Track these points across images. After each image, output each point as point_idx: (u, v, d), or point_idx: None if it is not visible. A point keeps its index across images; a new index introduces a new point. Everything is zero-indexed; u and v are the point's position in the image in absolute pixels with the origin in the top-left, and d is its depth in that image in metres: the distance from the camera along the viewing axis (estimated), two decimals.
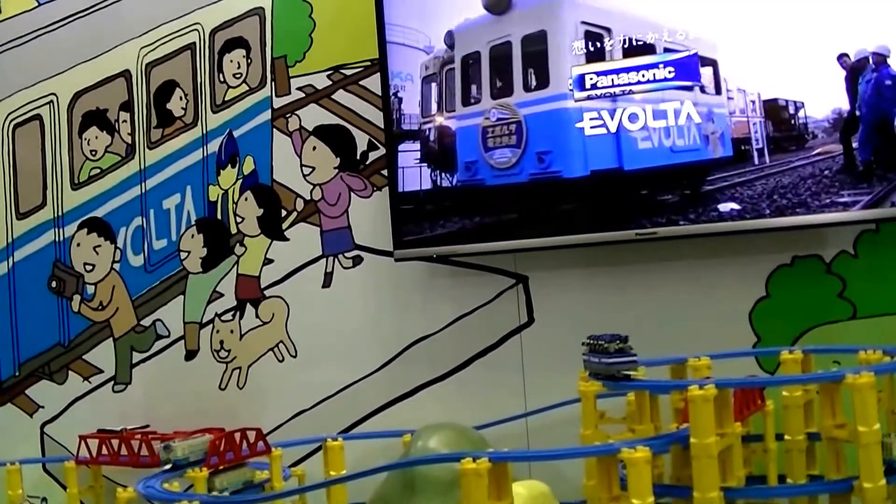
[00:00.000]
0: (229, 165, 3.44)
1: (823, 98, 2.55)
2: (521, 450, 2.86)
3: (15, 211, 3.83)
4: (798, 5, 2.57)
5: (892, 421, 2.23)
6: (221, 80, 3.46)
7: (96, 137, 3.68)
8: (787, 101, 2.61)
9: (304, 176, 3.32)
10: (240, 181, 3.42)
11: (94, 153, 3.68)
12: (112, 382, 3.64)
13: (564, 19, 2.56)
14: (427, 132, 2.98)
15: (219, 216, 3.45)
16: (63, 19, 3.73)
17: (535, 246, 2.86)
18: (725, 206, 2.62)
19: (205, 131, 3.49)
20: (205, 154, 3.48)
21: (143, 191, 3.59)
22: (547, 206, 2.57)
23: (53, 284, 3.74)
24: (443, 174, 2.95)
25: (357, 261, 3.24)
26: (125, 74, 3.62)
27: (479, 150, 2.71)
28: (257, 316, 3.39)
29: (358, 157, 3.24)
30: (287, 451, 2.82)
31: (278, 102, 3.37)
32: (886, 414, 2.23)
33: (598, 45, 2.57)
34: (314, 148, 3.31)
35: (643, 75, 2.65)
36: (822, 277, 2.69)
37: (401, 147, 3.02)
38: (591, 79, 2.69)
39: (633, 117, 2.65)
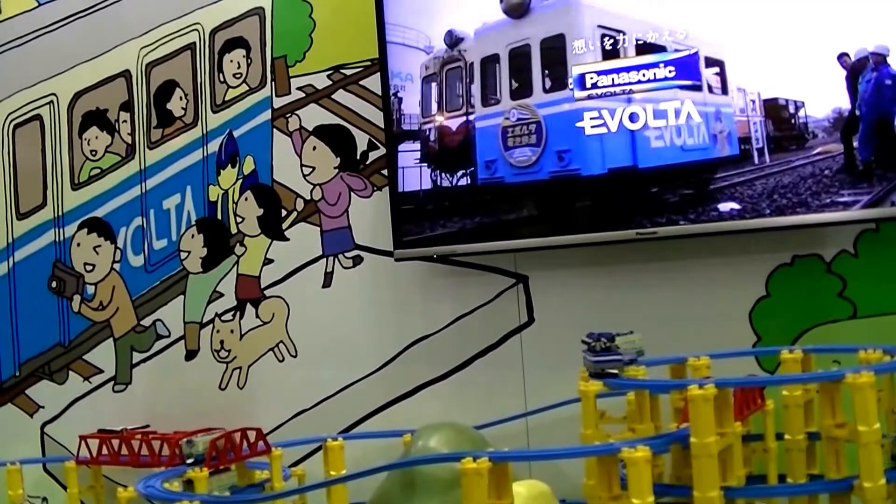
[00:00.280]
0: (229, 165, 3.44)
1: (823, 97, 2.55)
2: (522, 449, 2.86)
3: (15, 211, 3.83)
4: (798, 5, 2.57)
5: (893, 420, 2.23)
6: (221, 80, 3.46)
7: (96, 137, 3.68)
8: (787, 101, 2.61)
9: (305, 176, 3.32)
10: (240, 181, 3.42)
11: (94, 153, 3.68)
12: (112, 382, 3.64)
13: (582, 23, 2.62)
14: (427, 132, 2.98)
15: (219, 216, 3.46)
16: (63, 19, 3.73)
17: (536, 246, 2.87)
18: (726, 206, 2.63)
19: (205, 131, 3.49)
20: (205, 154, 3.49)
21: (144, 191, 3.59)
22: (566, 203, 2.65)
23: (53, 284, 3.74)
24: (443, 174, 2.96)
25: (357, 261, 3.25)
26: (125, 74, 3.62)
27: (499, 148, 2.75)
28: (257, 316, 3.39)
29: (358, 157, 3.24)
30: (287, 450, 2.82)
31: (278, 102, 3.37)
32: (886, 413, 2.23)
33: (613, 47, 2.63)
34: (314, 148, 3.31)
35: (644, 75, 2.66)
36: (822, 277, 2.69)
37: (401, 147, 3.02)
38: (592, 78, 2.71)
39: (634, 116, 2.67)
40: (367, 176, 3.22)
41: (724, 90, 2.60)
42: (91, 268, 3.68)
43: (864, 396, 1.92)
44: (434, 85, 2.98)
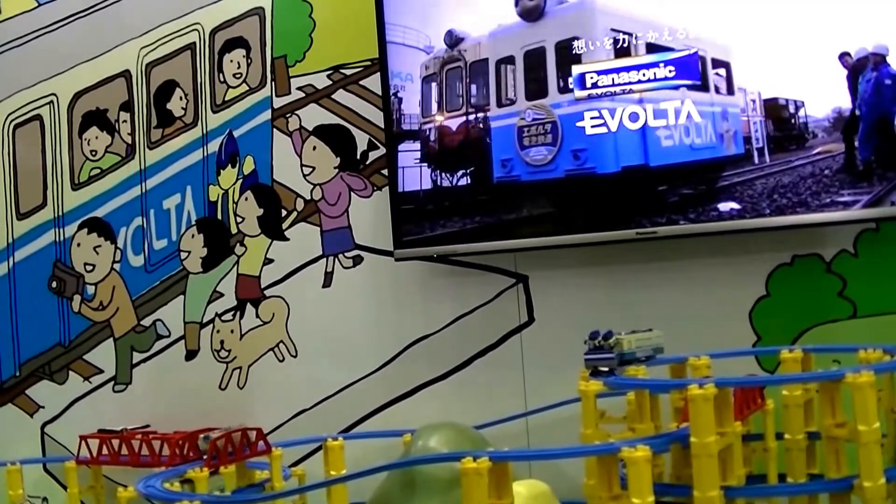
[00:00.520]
0: (229, 165, 3.44)
1: (823, 97, 2.55)
2: (522, 449, 2.86)
3: (15, 211, 3.83)
4: (798, 5, 2.57)
5: (892, 420, 2.23)
6: (221, 80, 3.46)
7: (96, 137, 3.68)
8: (787, 101, 2.61)
9: (305, 176, 3.32)
10: (240, 181, 3.42)
11: (94, 153, 3.68)
12: (112, 382, 3.64)
13: (595, 26, 2.67)
14: (427, 132, 2.98)
15: (219, 216, 3.46)
16: (63, 19, 3.73)
17: (536, 245, 2.87)
18: (726, 206, 2.63)
19: (205, 131, 3.49)
20: (205, 154, 3.49)
21: (144, 191, 3.59)
22: (582, 200, 2.72)
23: (54, 284, 3.74)
24: (443, 174, 2.96)
25: (357, 260, 3.25)
26: (125, 74, 3.63)
27: (514, 147, 2.78)
28: (257, 316, 3.39)
29: (358, 157, 3.24)
30: (287, 450, 2.82)
31: (278, 102, 3.37)
32: (886, 413, 2.23)
33: (624, 48, 2.68)
34: (314, 148, 3.31)
35: (644, 74, 2.67)
36: (822, 276, 2.69)
37: (401, 147, 3.02)
38: (592, 78, 2.72)
39: (634, 115, 2.68)
40: (367, 176, 3.22)
41: (731, 91, 2.62)
42: (91, 268, 3.68)
43: (864, 396, 1.92)
44: (434, 85, 2.98)
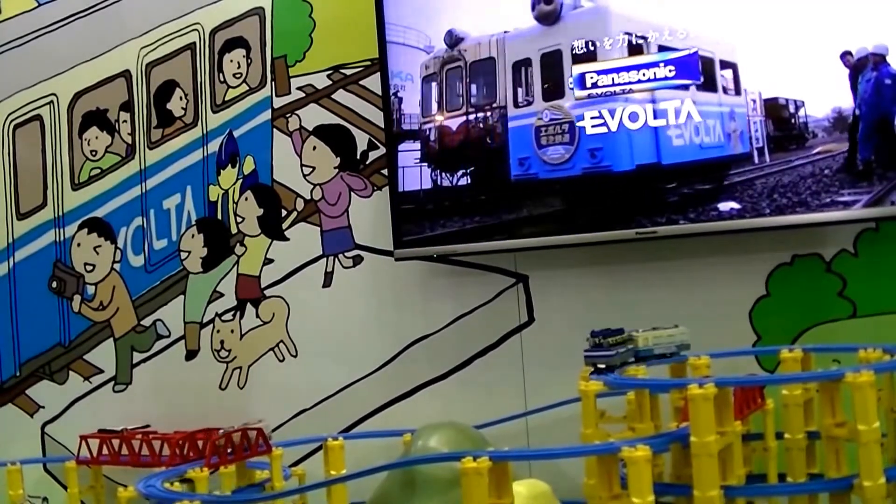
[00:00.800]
0: (229, 165, 3.44)
1: (824, 97, 2.56)
2: (522, 449, 2.86)
3: (15, 211, 3.83)
4: (798, 5, 2.57)
5: (892, 419, 2.24)
6: (221, 79, 3.46)
7: (96, 137, 3.68)
8: (787, 100, 2.61)
9: (305, 176, 3.32)
10: (240, 181, 3.42)
11: (94, 153, 3.68)
12: (112, 382, 3.64)
13: (609, 29, 2.72)
14: (427, 132, 2.98)
15: (219, 216, 3.46)
16: (63, 19, 3.73)
17: (536, 245, 2.87)
18: (726, 205, 2.63)
19: (205, 131, 3.49)
20: (205, 154, 3.49)
21: (144, 191, 3.59)
22: (598, 197, 2.77)
23: (54, 285, 3.74)
24: (444, 173, 2.96)
25: (357, 260, 3.25)
26: (125, 74, 3.63)
27: (532, 147, 2.82)
28: (258, 316, 3.40)
29: (358, 157, 3.24)
30: (287, 450, 2.82)
31: (278, 102, 3.37)
32: (886, 412, 2.23)
33: (638, 50, 2.72)
34: (314, 148, 3.31)
35: (644, 74, 2.68)
36: (822, 276, 2.69)
37: (401, 147, 3.02)
38: (592, 77, 2.73)
39: (634, 116, 2.70)
40: (367, 176, 3.22)
41: (738, 91, 2.65)
42: (91, 268, 3.68)
43: (864, 395, 1.92)
44: (434, 85, 2.98)
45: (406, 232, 3.00)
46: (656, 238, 2.70)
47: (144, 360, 3.59)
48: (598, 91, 2.73)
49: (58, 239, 3.74)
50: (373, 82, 3.17)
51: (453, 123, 2.95)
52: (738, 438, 2.05)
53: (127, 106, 3.63)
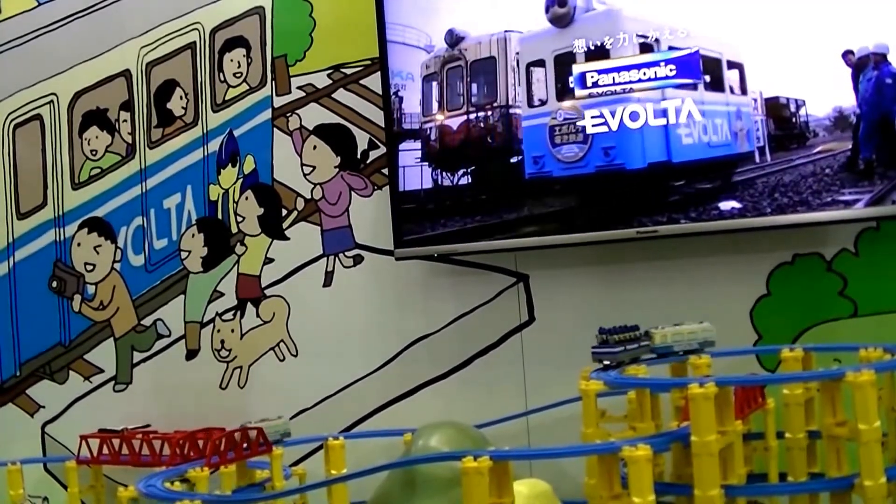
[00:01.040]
0: (230, 165, 3.44)
1: (824, 96, 2.56)
2: (522, 448, 2.85)
3: (15, 211, 3.83)
4: (800, 4, 2.57)
5: (893, 418, 2.23)
6: (222, 79, 3.46)
7: (96, 137, 3.68)
8: (788, 100, 2.61)
9: (305, 175, 3.32)
10: (240, 180, 3.42)
11: (94, 153, 3.68)
12: (113, 382, 3.64)
13: (621, 31, 2.75)
14: (428, 131, 2.98)
15: (219, 215, 3.46)
16: (63, 19, 3.73)
17: (536, 244, 2.87)
18: (727, 205, 2.63)
19: (205, 131, 3.49)
20: (205, 153, 3.49)
21: (144, 190, 3.59)
22: (611, 194, 2.80)
23: (54, 284, 3.74)
24: (444, 173, 2.96)
25: (358, 260, 3.25)
26: (125, 74, 3.63)
27: (546, 145, 2.84)
28: (258, 315, 3.39)
29: (358, 156, 3.24)
30: (288, 450, 2.81)
31: (279, 101, 3.37)
32: (887, 411, 2.23)
33: (650, 51, 2.74)
34: (315, 147, 3.31)
35: (644, 73, 2.68)
36: (823, 275, 2.69)
37: (401, 146, 3.02)
38: (592, 77, 2.74)
39: (634, 115, 2.71)
40: (368, 175, 3.22)
41: (744, 91, 2.65)
42: (91, 267, 3.68)
43: (865, 395, 1.92)
44: (435, 84, 2.98)
45: (406, 231, 3.00)
46: (657, 237, 2.70)
47: (145, 360, 3.59)
48: (599, 90, 2.74)
49: (58, 238, 3.74)
50: (373, 81, 3.17)
51: (454, 123, 2.95)
52: (739, 438, 2.05)
53: (127, 105, 3.63)
